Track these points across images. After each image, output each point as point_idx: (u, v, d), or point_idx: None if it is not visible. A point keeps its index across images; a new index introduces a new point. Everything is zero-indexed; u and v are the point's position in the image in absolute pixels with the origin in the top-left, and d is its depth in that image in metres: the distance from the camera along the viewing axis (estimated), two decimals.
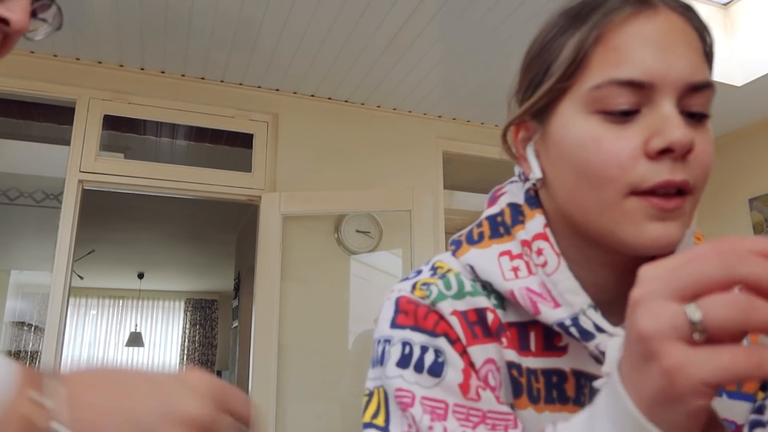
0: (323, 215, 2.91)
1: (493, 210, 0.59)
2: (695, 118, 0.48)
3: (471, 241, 0.58)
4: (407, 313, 0.54)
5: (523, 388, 0.53)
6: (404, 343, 0.53)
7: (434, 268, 0.58)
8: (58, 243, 2.47)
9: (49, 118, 3.02)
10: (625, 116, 0.47)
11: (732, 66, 2.76)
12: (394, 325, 0.54)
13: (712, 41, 0.51)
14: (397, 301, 0.55)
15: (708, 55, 0.50)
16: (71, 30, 2.43)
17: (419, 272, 0.59)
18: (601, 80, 0.47)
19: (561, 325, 0.50)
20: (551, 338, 0.53)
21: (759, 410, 0.47)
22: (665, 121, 0.46)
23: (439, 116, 3.28)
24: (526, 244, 0.54)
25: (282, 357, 2.59)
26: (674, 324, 0.30)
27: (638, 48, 0.47)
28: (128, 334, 8.80)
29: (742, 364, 0.28)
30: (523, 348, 0.53)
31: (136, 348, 8.98)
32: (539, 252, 0.52)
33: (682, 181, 0.45)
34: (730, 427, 0.47)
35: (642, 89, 0.46)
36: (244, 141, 3.00)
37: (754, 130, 3.36)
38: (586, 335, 0.49)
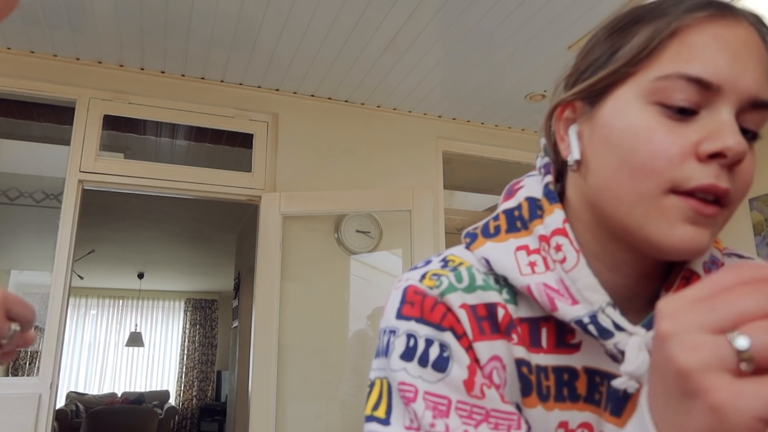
0: (323, 215, 2.91)
1: (511, 204, 0.58)
2: (747, 135, 0.47)
3: (487, 234, 0.57)
4: (413, 304, 0.53)
5: (532, 386, 0.52)
6: (409, 335, 0.52)
7: (445, 261, 0.57)
8: (58, 243, 2.47)
9: (49, 118, 3.02)
10: (682, 114, 0.47)
11: None
12: (400, 315, 0.53)
13: None
14: (405, 291, 0.54)
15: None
16: (71, 30, 2.44)
17: (429, 262, 0.57)
18: (670, 72, 0.47)
19: (579, 322, 0.49)
20: (563, 335, 0.53)
21: None
22: (722, 127, 0.45)
23: (439, 116, 3.28)
24: (544, 239, 0.53)
25: (282, 357, 2.59)
26: (719, 355, 0.28)
27: (714, 50, 0.46)
28: (128, 334, 8.81)
29: None
30: (533, 344, 0.53)
31: (136, 348, 8.99)
32: (558, 248, 0.52)
33: (725, 190, 0.45)
34: None
35: (707, 91, 0.46)
36: (244, 141, 3.00)
37: None
38: (605, 333, 0.48)
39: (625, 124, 0.48)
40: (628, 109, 0.49)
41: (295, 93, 3.01)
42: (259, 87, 2.94)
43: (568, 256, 0.51)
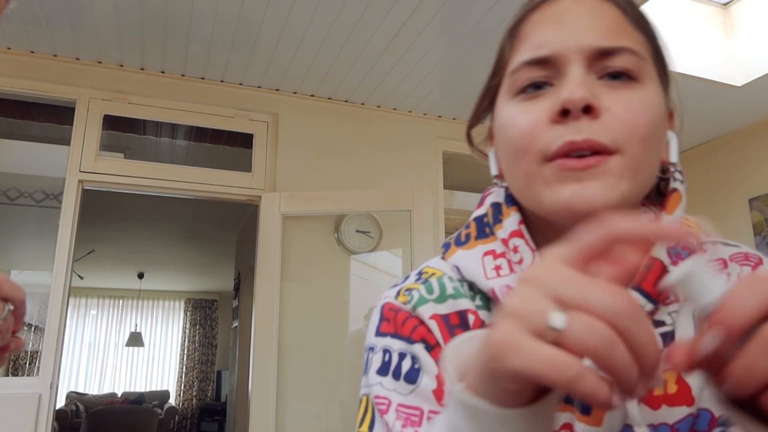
0: (323, 215, 2.91)
1: (480, 211, 0.60)
2: (618, 78, 0.48)
3: (458, 242, 0.59)
4: (389, 321, 0.55)
5: None
6: (384, 351, 0.55)
7: (420, 273, 0.59)
8: (58, 243, 2.47)
9: (49, 118, 3.02)
10: (537, 90, 0.49)
11: (732, 66, 2.76)
12: (378, 333, 0.56)
13: (643, 15, 0.52)
14: (382, 309, 0.57)
15: (642, 29, 0.51)
16: (71, 30, 2.43)
17: (407, 278, 0.60)
18: (515, 65, 0.51)
19: None
20: None
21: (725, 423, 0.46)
22: (562, 86, 0.47)
23: (439, 116, 3.28)
24: (504, 242, 0.55)
25: (282, 357, 2.59)
26: (535, 314, 0.30)
27: (540, 29, 0.50)
28: (128, 334, 8.80)
29: (556, 371, 0.29)
30: None
31: (136, 348, 8.99)
32: (515, 249, 0.53)
33: (585, 140, 0.45)
34: (704, 415, 0.46)
35: (549, 64, 0.49)
36: (244, 141, 3.00)
37: (754, 130, 3.36)
38: None
39: (500, 123, 0.53)
40: (501, 109, 0.53)
41: (295, 93, 3.01)
42: (259, 87, 2.94)
43: (524, 256, 0.53)
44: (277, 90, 2.98)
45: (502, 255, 0.55)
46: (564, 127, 0.46)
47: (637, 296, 0.48)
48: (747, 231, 3.32)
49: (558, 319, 0.30)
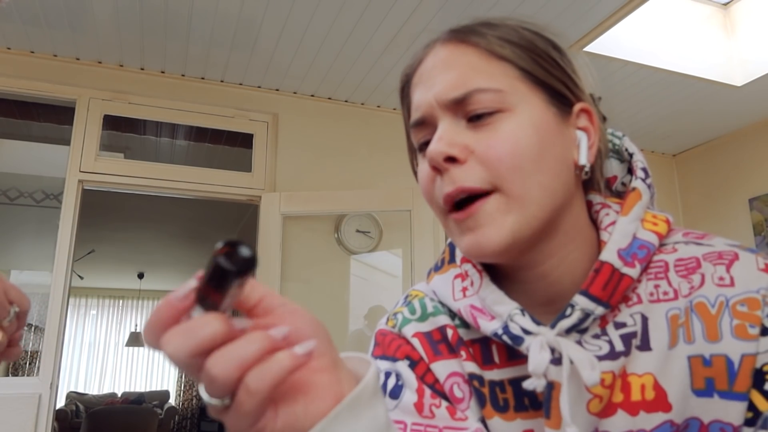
0: (323, 215, 2.91)
1: None
2: (480, 119, 0.51)
3: (436, 268, 0.63)
4: (379, 345, 0.60)
5: (485, 398, 0.54)
6: (383, 373, 0.58)
7: (406, 297, 0.64)
8: (58, 243, 2.47)
9: (49, 118, 3.02)
10: (426, 147, 0.53)
11: (732, 66, 2.77)
12: (372, 357, 0.60)
13: (505, 44, 0.54)
14: (375, 335, 0.62)
15: (505, 56, 0.53)
16: (71, 30, 2.43)
17: (397, 304, 0.64)
18: (408, 129, 0.57)
19: (495, 335, 0.52)
20: (514, 348, 0.54)
21: (754, 416, 0.45)
22: None
23: None
24: (459, 266, 0.59)
25: None
26: (209, 405, 0.34)
27: (414, 92, 0.55)
28: (128, 334, 8.80)
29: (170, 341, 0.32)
30: (486, 362, 0.55)
31: (136, 348, 8.99)
32: (466, 274, 0.57)
33: (455, 190, 0.49)
34: (727, 429, 0.46)
35: (426, 123, 0.53)
36: (244, 141, 3.00)
37: (754, 130, 3.36)
38: (517, 340, 0.50)
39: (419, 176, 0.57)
40: (420, 164, 0.57)
41: (295, 93, 3.01)
42: (259, 87, 2.94)
43: (473, 279, 0.56)
44: (277, 90, 2.98)
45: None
46: (440, 181, 0.51)
47: (585, 300, 0.49)
48: (747, 231, 3.32)
49: (205, 395, 0.33)
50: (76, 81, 2.65)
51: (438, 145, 0.50)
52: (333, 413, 0.34)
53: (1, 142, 3.49)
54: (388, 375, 0.56)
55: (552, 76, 0.53)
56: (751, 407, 0.45)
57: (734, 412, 0.45)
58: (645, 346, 0.49)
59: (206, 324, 0.32)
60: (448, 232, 0.53)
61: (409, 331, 0.58)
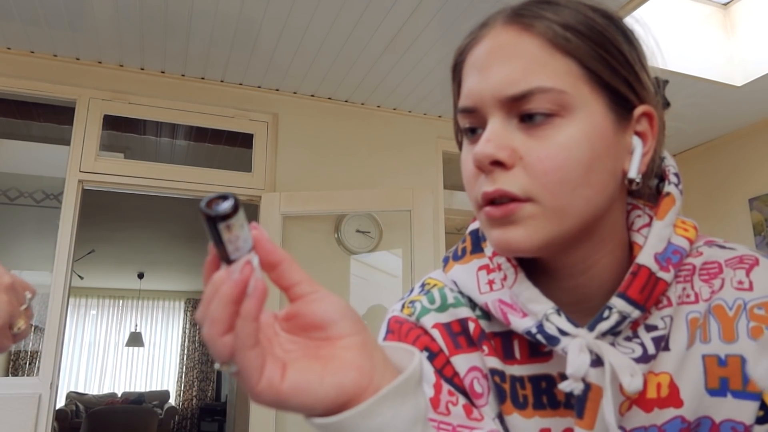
0: (323, 215, 2.91)
1: (475, 225, 0.62)
2: (536, 123, 0.48)
3: (456, 257, 0.61)
4: (393, 332, 0.58)
5: (506, 394, 0.54)
6: None
7: (423, 285, 0.62)
8: (58, 243, 2.47)
9: (49, 118, 3.02)
10: (472, 136, 0.52)
11: (732, 66, 2.77)
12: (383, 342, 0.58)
13: (570, 34, 0.49)
14: (388, 322, 0.60)
15: (569, 49, 0.49)
16: (71, 30, 2.43)
17: (412, 290, 0.62)
18: (456, 111, 0.54)
19: (529, 333, 0.51)
20: (536, 345, 0.54)
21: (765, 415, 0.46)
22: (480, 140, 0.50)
23: (439, 116, 3.28)
24: (490, 259, 0.57)
25: None
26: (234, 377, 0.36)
27: (467, 75, 0.52)
28: (128, 334, 8.80)
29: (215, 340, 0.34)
30: (507, 356, 0.55)
31: (136, 348, 8.99)
32: (499, 267, 0.55)
33: (495, 191, 0.48)
34: (738, 428, 0.47)
35: (475, 113, 0.51)
36: (244, 141, 3.00)
37: (754, 130, 3.36)
38: (552, 340, 0.50)
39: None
40: (464, 147, 0.55)
41: (295, 93, 3.01)
42: (259, 87, 2.94)
43: (507, 273, 0.54)
44: (277, 90, 2.98)
45: (495, 269, 0.56)
46: (483, 178, 0.49)
47: (623, 303, 0.48)
48: (747, 231, 3.32)
49: (220, 366, 0.35)
50: (76, 81, 2.65)
51: (486, 147, 0.48)
52: (382, 393, 0.35)
53: (1, 142, 3.49)
54: None
55: (618, 76, 0.50)
56: (763, 406, 0.46)
57: (747, 411, 0.46)
58: (665, 346, 0.50)
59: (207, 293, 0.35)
60: (480, 222, 0.52)
61: (428, 321, 0.57)
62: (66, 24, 2.38)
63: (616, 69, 0.49)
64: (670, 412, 0.48)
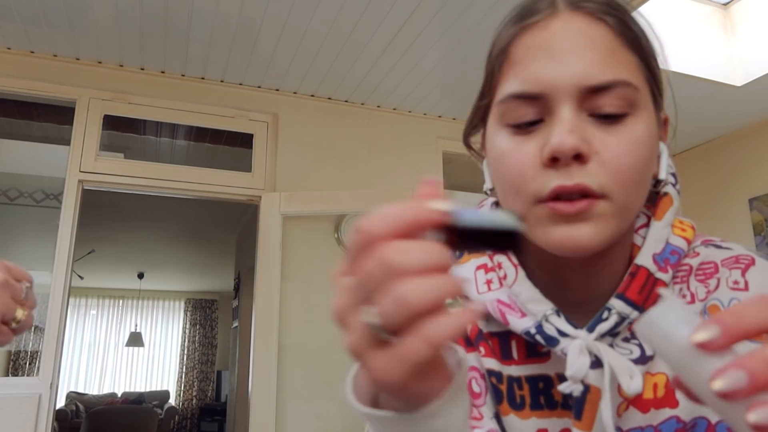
0: (323, 215, 2.91)
1: None
2: (609, 118, 0.46)
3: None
4: None
5: (503, 395, 0.54)
6: None
7: None
8: (58, 243, 2.47)
9: (49, 118, 3.02)
10: (528, 126, 0.48)
11: (732, 66, 2.76)
12: None
13: (638, 32, 0.49)
14: None
15: (637, 48, 0.48)
16: (71, 30, 2.43)
17: None
18: (503, 95, 0.49)
19: (527, 333, 0.51)
20: (534, 345, 0.54)
21: None
22: (552, 129, 0.46)
23: (439, 116, 3.28)
24: (490, 258, 0.56)
25: (282, 357, 2.59)
26: (360, 332, 0.30)
27: (531, 59, 0.48)
28: (128, 334, 8.80)
29: (421, 348, 0.29)
30: (505, 357, 0.55)
31: (136, 348, 8.99)
32: (499, 266, 0.54)
33: (575, 185, 0.45)
34: (701, 424, 0.47)
35: (538, 100, 0.47)
36: (244, 141, 3.00)
37: (754, 130, 3.36)
38: (551, 341, 0.49)
39: (492, 151, 0.51)
40: (492, 136, 0.51)
41: (295, 93, 3.01)
42: (259, 87, 2.94)
43: (507, 272, 0.54)
44: (277, 90, 2.98)
45: (493, 269, 0.55)
46: (555, 172, 0.46)
47: (621, 304, 0.48)
48: (747, 231, 3.32)
49: (371, 315, 0.29)
50: (76, 81, 2.65)
51: (569, 138, 0.44)
52: (449, 394, 0.34)
53: (1, 142, 3.48)
54: None
55: (658, 80, 0.50)
56: None
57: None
58: None
59: (442, 252, 0.30)
60: (531, 221, 0.48)
61: None
62: (66, 24, 2.38)
63: (659, 77, 0.50)
64: (666, 413, 0.48)
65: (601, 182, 0.45)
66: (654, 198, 0.54)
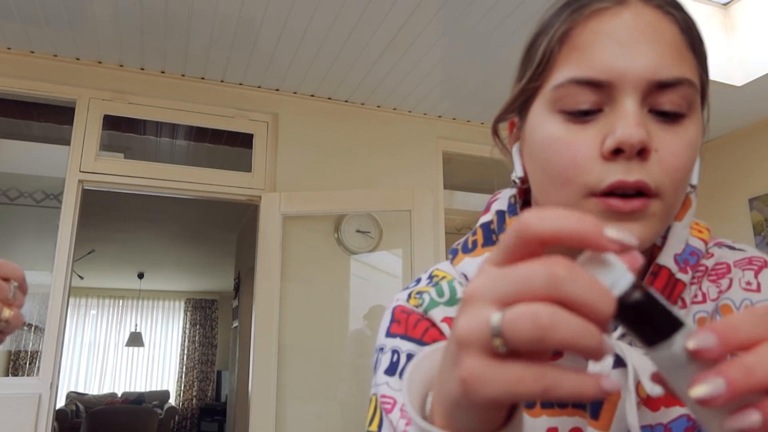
0: (323, 215, 2.91)
1: (487, 217, 0.60)
2: (669, 117, 0.46)
3: (465, 249, 0.58)
4: (400, 322, 0.56)
5: None
6: (393, 351, 0.55)
7: (431, 277, 0.59)
8: (58, 243, 2.47)
9: (49, 118, 3.02)
10: (586, 115, 0.46)
11: (732, 66, 2.76)
12: (388, 333, 0.56)
13: (698, 35, 0.49)
14: (393, 311, 0.57)
15: (696, 51, 0.48)
16: (71, 30, 2.43)
17: (419, 281, 0.60)
18: (562, 80, 0.47)
19: None
20: None
21: None
22: (618, 120, 0.44)
23: (439, 116, 3.28)
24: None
25: (282, 357, 2.59)
26: (480, 330, 0.27)
27: (598, 45, 0.46)
28: (128, 334, 8.80)
29: (528, 386, 0.26)
30: None
31: (136, 348, 8.99)
32: None
33: (636, 182, 0.44)
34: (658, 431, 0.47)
35: (602, 88, 0.45)
36: (244, 141, 3.00)
37: (754, 130, 3.36)
38: None
39: (540, 137, 0.49)
40: (540, 122, 0.49)
41: (295, 93, 3.01)
42: (259, 87, 2.94)
43: None
44: (277, 90, 2.98)
45: None
46: (615, 165, 0.44)
47: None
48: (747, 231, 3.32)
49: (495, 320, 0.27)
50: (76, 81, 2.65)
51: (640, 132, 0.43)
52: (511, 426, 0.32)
53: (1, 142, 3.48)
54: (410, 357, 0.53)
55: (706, 86, 0.50)
56: None
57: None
58: None
59: (609, 303, 0.27)
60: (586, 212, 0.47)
61: (437, 314, 0.54)
62: (66, 24, 2.38)
63: (708, 82, 0.50)
64: (676, 411, 0.48)
65: (658, 181, 0.44)
66: None
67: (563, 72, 0.47)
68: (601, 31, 0.46)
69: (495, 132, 0.58)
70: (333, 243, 2.95)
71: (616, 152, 0.44)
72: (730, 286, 0.50)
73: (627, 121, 0.44)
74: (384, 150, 3.10)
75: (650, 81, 0.44)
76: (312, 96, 3.04)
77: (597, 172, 0.45)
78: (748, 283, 0.49)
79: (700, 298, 0.50)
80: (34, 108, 2.89)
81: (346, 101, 3.10)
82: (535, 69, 0.50)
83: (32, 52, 2.60)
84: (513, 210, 0.56)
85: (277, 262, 2.66)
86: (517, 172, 0.54)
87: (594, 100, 0.46)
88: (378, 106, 3.16)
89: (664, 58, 0.45)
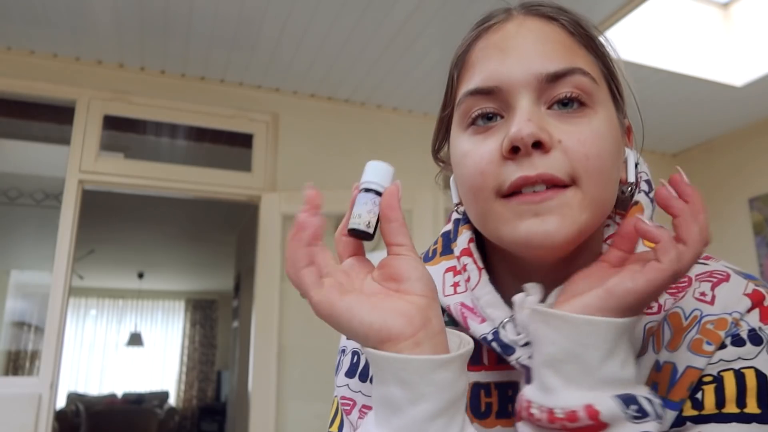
0: (323, 215, 2.90)
1: (447, 227, 0.61)
2: (569, 108, 0.46)
3: (426, 258, 0.60)
4: None
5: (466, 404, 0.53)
6: (353, 353, 0.57)
7: None
8: (58, 243, 2.47)
9: (49, 118, 3.02)
10: (486, 123, 0.48)
11: (732, 66, 2.77)
12: (346, 340, 0.59)
13: (590, 33, 0.50)
14: None
15: (589, 47, 0.49)
16: (71, 30, 2.43)
17: None
18: (461, 96, 0.50)
19: (484, 339, 0.49)
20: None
21: (680, 423, 0.45)
22: (511, 120, 0.46)
23: None
24: (457, 260, 0.55)
25: (282, 357, 2.59)
26: None
27: (485, 58, 0.49)
28: (128, 334, 8.80)
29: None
30: (476, 362, 0.53)
31: (136, 348, 8.99)
32: (464, 268, 0.53)
33: (539, 175, 0.44)
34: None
35: (494, 95, 0.47)
36: (244, 141, 3.00)
37: (754, 130, 3.36)
38: (507, 349, 0.48)
39: (455, 157, 0.51)
40: (454, 143, 0.52)
41: (295, 93, 3.01)
42: (259, 87, 2.94)
43: (471, 275, 0.52)
44: (277, 90, 2.98)
45: (460, 272, 0.54)
46: (516, 164, 0.45)
47: None
48: (747, 231, 3.32)
49: None
50: (76, 81, 2.65)
51: (529, 126, 0.44)
52: (457, 354, 0.40)
53: (1, 142, 3.48)
54: (358, 355, 0.57)
55: (618, 86, 0.51)
56: (679, 417, 0.45)
57: (666, 417, 0.45)
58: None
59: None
60: (495, 218, 0.47)
61: None
62: (66, 24, 2.38)
63: (618, 83, 0.51)
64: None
65: (567, 169, 0.45)
66: (626, 206, 0.53)
67: (462, 91, 0.50)
68: (487, 45, 0.49)
69: (437, 160, 0.61)
70: (333, 243, 2.95)
71: (515, 151, 0.45)
72: (684, 298, 0.48)
73: (518, 118, 0.45)
74: (384, 150, 3.10)
75: (538, 76, 0.46)
76: (312, 96, 3.04)
77: (501, 175, 0.46)
78: (703, 294, 0.48)
79: (654, 308, 0.48)
80: (34, 108, 2.89)
81: (346, 101, 3.10)
82: (445, 97, 0.54)
83: (32, 52, 2.60)
84: (464, 219, 0.57)
85: (277, 262, 2.66)
86: (454, 198, 0.56)
87: (493, 106, 0.48)
88: (378, 106, 3.16)
89: (549, 54, 0.47)
